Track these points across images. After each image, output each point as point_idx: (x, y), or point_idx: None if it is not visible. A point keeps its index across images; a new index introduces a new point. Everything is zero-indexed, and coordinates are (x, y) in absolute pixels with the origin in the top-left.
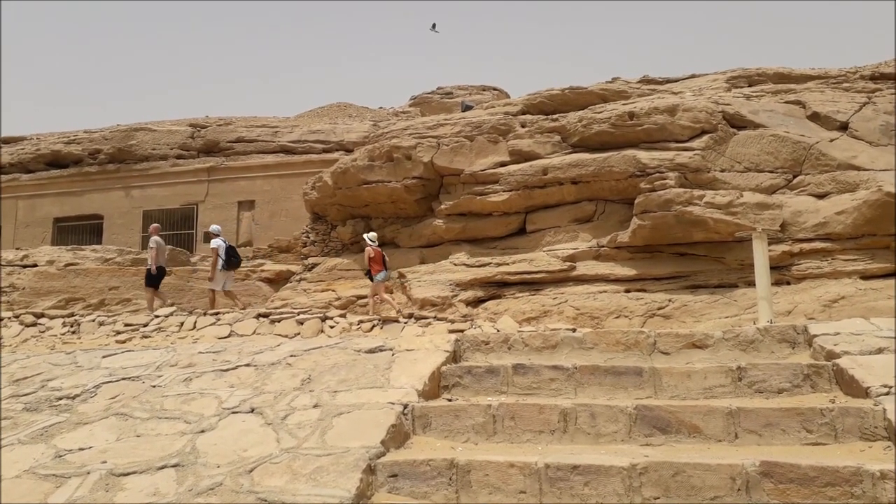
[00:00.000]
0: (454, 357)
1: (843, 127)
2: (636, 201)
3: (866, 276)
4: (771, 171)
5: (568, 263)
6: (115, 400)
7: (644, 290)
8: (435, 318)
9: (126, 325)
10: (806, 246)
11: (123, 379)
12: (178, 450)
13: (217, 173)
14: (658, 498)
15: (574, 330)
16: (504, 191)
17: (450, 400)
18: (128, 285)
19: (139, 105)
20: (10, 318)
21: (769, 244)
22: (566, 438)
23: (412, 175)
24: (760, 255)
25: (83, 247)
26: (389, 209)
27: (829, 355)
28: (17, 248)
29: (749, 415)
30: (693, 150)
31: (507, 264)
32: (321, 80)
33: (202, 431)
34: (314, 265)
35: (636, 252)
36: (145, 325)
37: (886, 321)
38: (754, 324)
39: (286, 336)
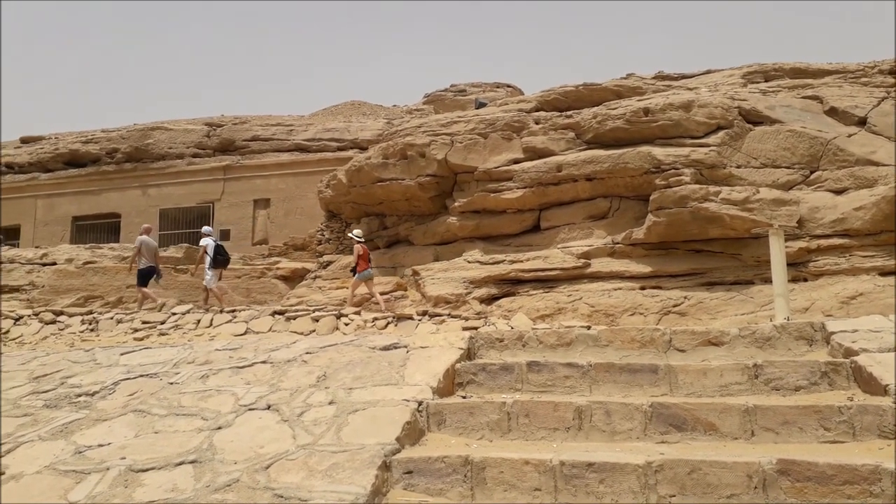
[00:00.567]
0: (468, 354)
1: (862, 122)
2: (651, 198)
3: (885, 273)
4: (788, 167)
5: (582, 261)
6: (133, 397)
7: (659, 288)
8: (449, 315)
9: (143, 322)
10: (823, 242)
11: (141, 376)
12: (196, 446)
13: (233, 172)
14: (674, 496)
15: (589, 327)
16: (518, 188)
17: (464, 397)
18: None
19: (155, 104)
20: (29, 315)
21: (786, 241)
22: (581, 436)
23: (426, 173)
24: (777, 251)
25: (101, 245)
26: (403, 207)
27: (847, 353)
28: (37, 247)
29: (766, 412)
30: (709, 146)
31: (521, 262)
32: (335, 78)
33: (219, 428)
34: (329, 263)
35: (651, 249)
36: (162, 323)
37: None
38: (771, 321)
39: (301, 333)
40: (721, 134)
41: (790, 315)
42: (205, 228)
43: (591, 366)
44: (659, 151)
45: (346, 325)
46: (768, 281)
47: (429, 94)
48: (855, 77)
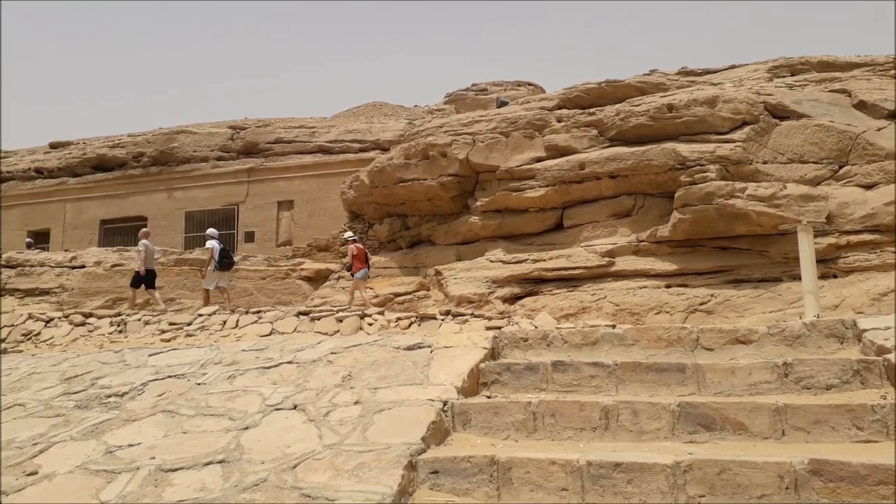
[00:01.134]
0: (492, 354)
1: (892, 115)
2: (676, 195)
3: None
4: (815, 162)
5: (606, 259)
6: (161, 397)
7: (685, 286)
8: (472, 315)
9: (171, 324)
10: (853, 238)
11: (169, 377)
12: (224, 446)
13: (257, 174)
14: (703, 496)
15: (614, 326)
16: (540, 186)
17: (489, 397)
18: (172, 285)
19: (180, 108)
20: (59, 317)
21: (815, 237)
22: (608, 436)
23: (448, 172)
24: (806, 247)
25: (128, 248)
26: (425, 207)
27: (880, 350)
28: (66, 250)
29: (796, 411)
30: (734, 141)
31: (544, 260)
32: (356, 79)
33: (246, 428)
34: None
35: (677, 246)
36: (189, 324)
37: None
38: (800, 318)
39: (326, 333)
40: (747, 129)
41: (820, 312)
42: (210, 231)
43: (617, 365)
44: (683, 148)
45: (370, 325)
46: (796, 278)
47: (450, 94)
48: (884, 70)
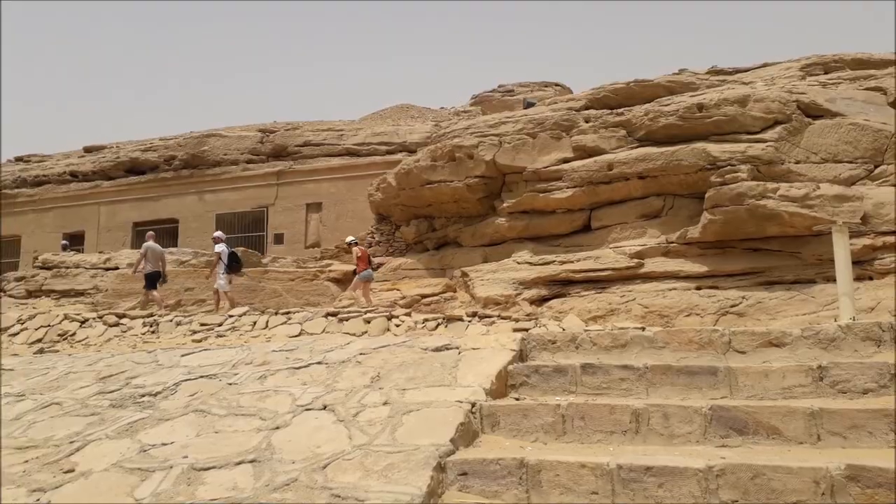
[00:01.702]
0: (520, 356)
1: None
2: (707, 195)
3: None
4: (850, 162)
5: (635, 260)
6: (194, 397)
7: (716, 287)
8: (499, 316)
9: (202, 324)
10: (890, 239)
11: (201, 377)
12: (255, 446)
13: (285, 177)
14: (736, 501)
15: (644, 329)
16: (568, 187)
17: (517, 399)
18: (202, 286)
19: (210, 111)
20: (94, 318)
21: (850, 238)
22: (638, 439)
23: (474, 174)
24: (841, 249)
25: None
26: (452, 208)
27: None
28: (100, 252)
29: (832, 416)
30: (766, 141)
31: (572, 262)
32: (383, 81)
33: (277, 428)
34: (379, 265)
35: (707, 248)
36: (220, 325)
37: None
38: (835, 321)
39: (354, 334)
40: (778, 129)
41: (855, 315)
42: (217, 234)
43: (647, 368)
44: (714, 148)
45: (397, 326)
46: (830, 280)
47: (476, 95)
48: None
